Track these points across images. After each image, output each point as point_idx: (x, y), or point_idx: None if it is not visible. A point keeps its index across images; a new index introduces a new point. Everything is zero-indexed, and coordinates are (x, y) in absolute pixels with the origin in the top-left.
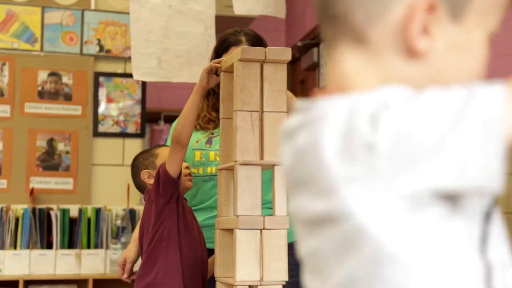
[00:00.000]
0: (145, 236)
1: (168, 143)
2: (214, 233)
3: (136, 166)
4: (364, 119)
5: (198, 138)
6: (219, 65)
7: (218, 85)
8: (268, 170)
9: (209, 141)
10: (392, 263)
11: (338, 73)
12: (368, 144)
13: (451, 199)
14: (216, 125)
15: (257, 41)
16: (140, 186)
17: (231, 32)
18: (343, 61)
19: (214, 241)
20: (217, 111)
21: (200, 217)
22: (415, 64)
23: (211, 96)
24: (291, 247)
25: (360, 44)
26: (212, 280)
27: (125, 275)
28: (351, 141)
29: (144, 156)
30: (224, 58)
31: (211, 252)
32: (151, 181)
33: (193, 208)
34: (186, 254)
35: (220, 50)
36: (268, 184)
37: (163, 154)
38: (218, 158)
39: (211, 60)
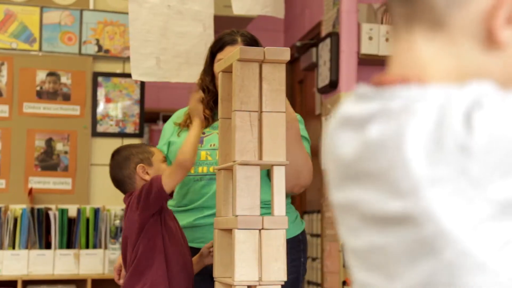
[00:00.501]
0: (129, 246)
1: (160, 146)
2: (205, 233)
3: (127, 158)
4: (457, 118)
5: None
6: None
7: (213, 83)
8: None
9: (200, 141)
10: (478, 270)
11: (411, 59)
12: (462, 146)
13: None
14: (209, 123)
15: (253, 42)
16: (124, 178)
17: (227, 32)
18: (417, 45)
19: (208, 241)
20: (211, 109)
21: (191, 217)
22: (493, 55)
23: (206, 94)
24: (290, 243)
25: (438, 29)
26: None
27: (121, 281)
28: (442, 140)
29: (138, 150)
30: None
31: (197, 251)
32: (146, 177)
33: (183, 207)
34: (174, 262)
35: (215, 49)
36: (262, 184)
37: (157, 155)
38: (209, 158)
39: (206, 59)
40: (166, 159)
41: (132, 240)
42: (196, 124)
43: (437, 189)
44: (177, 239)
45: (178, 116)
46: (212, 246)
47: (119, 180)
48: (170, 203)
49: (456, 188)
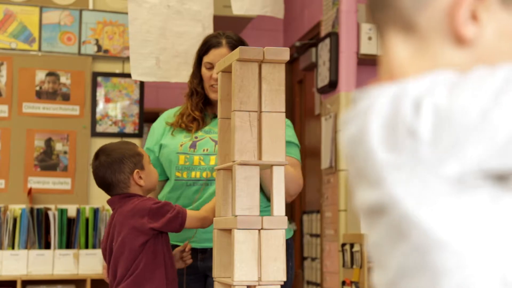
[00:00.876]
0: (127, 253)
1: (150, 146)
2: (193, 232)
3: (121, 161)
4: (408, 105)
5: (182, 141)
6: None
7: (201, 86)
8: None
9: (193, 145)
10: (442, 249)
11: (388, 61)
12: (411, 130)
13: (501, 179)
14: (199, 125)
15: (239, 44)
16: (117, 182)
17: (213, 35)
18: (393, 48)
19: (209, 242)
20: (201, 110)
21: None
22: (464, 51)
23: (194, 96)
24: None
25: (409, 31)
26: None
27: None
28: (395, 128)
29: (130, 152)
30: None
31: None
32: (141, 182)
33: None
34: (171, 271)
35: (201, 52)
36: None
37: (146, 157)
38: (202, 163)
39: (194, 62)
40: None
41: (133, 248)
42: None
43: (397, 174)
44: (172, 258)
45: (169, 115)
46: (185, 250)
47: (111, 184)
48: None
49: (412, 171)
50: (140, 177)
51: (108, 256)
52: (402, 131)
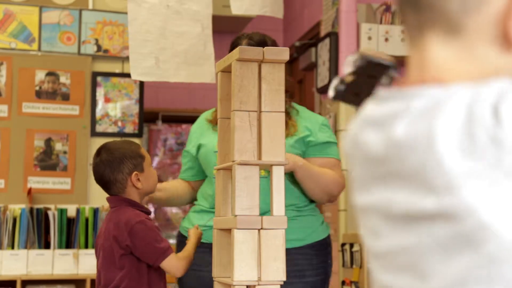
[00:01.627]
0: (107, 264)
1: (188, 149)
2: None
3: (121, 160)
4: (487, 112)
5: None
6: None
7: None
8: None
9: None
10: None
11: (428, 62)
12: (494, 138)
13: None
14: None
15: (258, 45)
16: (114, 181)
17: (238, 35)
18: (434, 50)
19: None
20: None
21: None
22: (510, 55)
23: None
24: (319, 245)
25: (454, 33)
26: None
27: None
28: (474, 135)
29: (131, 153)
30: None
31: None
32: (138, 184)
33: (207, 209)
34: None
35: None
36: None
37: (147, 159)
38: None
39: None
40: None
41: (113, 259)
42: (191, 243)
43: (474, 182)
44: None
45: (208, 114)
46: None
47: (108, 182)
48: (201, 203)
49: (492, 180)
50: (138, 179)
51: (96, 253)
52: (483, 138)
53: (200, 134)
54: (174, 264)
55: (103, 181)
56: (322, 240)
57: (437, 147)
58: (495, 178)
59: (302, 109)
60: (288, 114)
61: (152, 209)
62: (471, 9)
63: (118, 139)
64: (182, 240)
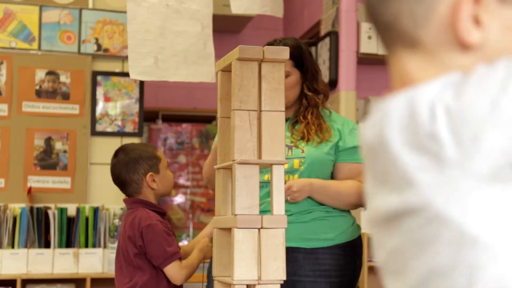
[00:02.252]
0: (123, 264)
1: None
2: None
3: (136, 161)
4: (423, 109)
5: None
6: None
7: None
8: None
9: (289, 148)
10: (476, 245)
11: (400, 76)
12: (431, 134)
13: None
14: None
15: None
16: (130, 182)
17: (270, 42)
18: (403, 64)
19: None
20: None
21: None
22: (472, 53)
23: None
24: (348, 246)
25: (415, 46)
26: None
27: None
28: (415, 131)
29: (147, 154)
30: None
31: None
32: (154, 185)
33: None
34: None
35: None
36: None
37: (163, 161)
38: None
39: None
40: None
41: (128, 258)
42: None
43: (425, 176)
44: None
45: None
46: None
47: (124, 182)
48: None
49: (440, 173)
50: (154, 181)
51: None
52: (423, 135)
53: None
54: (176, 271)
55: (120, 181)
56: (352, 241)
57: (390, 146)
58: (442, 170)
59: (333, 113)
60: (322, 118)
61: None
62: (421, 22)
63: (117, 138)
64: None
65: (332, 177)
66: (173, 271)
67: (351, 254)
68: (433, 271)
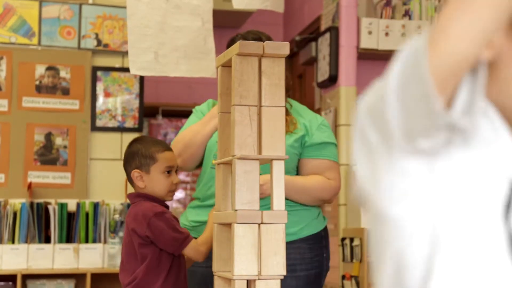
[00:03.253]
0: (127, 259)
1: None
2: None
3: (132, 155)
4: (359, 106)
5: None
6: None
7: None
8: None
9: None
10: (384, 221)
11: None
12: (360, 129)
13: (429, 152)
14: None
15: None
16: (127, 172)
17: (232, 37)
18: None
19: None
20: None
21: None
22: None
23: None
24: (313, 239)
25: None
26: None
27: None
28: (354, 126)
29: (145, 152)
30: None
31: None
32: (140, 183)
33: (201, 204)
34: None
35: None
36: None
37: (160, 164)
38: None
39: None
40: (170, 168)
41: (131, 251)
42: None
43: (361, 163)
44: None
45: (215, 102)
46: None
47: (126, 173)
48: (198, 195)
49: (364, 155)
50: (141, 179)
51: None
52: (355, 127)
53: (205, 112)
54: (195, 250)
55: (126, 173)
56: (317, 233)
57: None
58: (365, 152)
59: (301, 107)
60: (286, 110)
61: None
62: None
63: (117, 134)
64: None
65: (297, 173)
66: (193, 251)
67: (317, 246)
68: (377, 241)
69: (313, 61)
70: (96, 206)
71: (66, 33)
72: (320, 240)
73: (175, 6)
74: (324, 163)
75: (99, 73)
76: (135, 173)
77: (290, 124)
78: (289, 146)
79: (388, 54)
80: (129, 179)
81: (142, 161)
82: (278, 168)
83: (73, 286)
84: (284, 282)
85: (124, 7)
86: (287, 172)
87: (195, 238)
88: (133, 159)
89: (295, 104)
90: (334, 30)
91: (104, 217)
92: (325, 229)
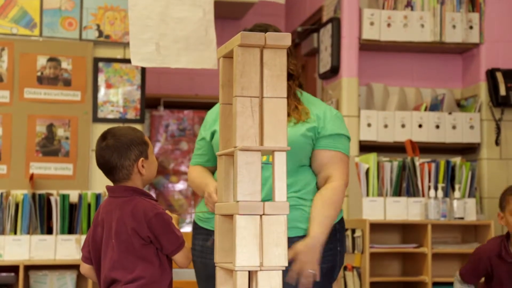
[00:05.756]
0: (124, 256)
1: (204, 135)
2: None
3: (128, 147)
4: None
5: None
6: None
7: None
8: None
9: None
10: None
11: None
12: None
13: None
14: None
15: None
16: (120, 167)
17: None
18: None
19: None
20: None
21: None
22: None
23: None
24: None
25: None
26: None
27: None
28: None
29: (137, 140)
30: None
31: None
32: (143, 171)
33: None
34: None
35: None
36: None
37: (150, 146)
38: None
39: None
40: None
41: (132, 249)
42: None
43: None
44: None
45: None
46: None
47: (114, 167)
48: None
49: None
50: (143, 166)
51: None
52: None
53: (215, 121)
54: (186, 256)
55: (109, 167)
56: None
57: None
58: None
59: (314, 99)
60: (298, 100)
61: (153, 195)
62: None
63: (119, 125)
64: (196, 228)
65: (311, 163)
66: (183, 257)
67: (330, 240)
68: None
69: (315, 52)
70: (98, 197)
71: (67, 24)
72: (334, 234)
73: None
74: (336, 156)
75: (100, 64)
76: (141, 163)
77: (302, 113)
78: (301, 135)
79: (390, 45)
80: (124, 173)
81: (140, 149)
82: (280, 159)
83: (75, 277)
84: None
85: None
86: (299, 161)
87: (206, 230)
88: (131, 151)
89: (308, 95)
90: (336, 21)
91: None
92: (340, 222)
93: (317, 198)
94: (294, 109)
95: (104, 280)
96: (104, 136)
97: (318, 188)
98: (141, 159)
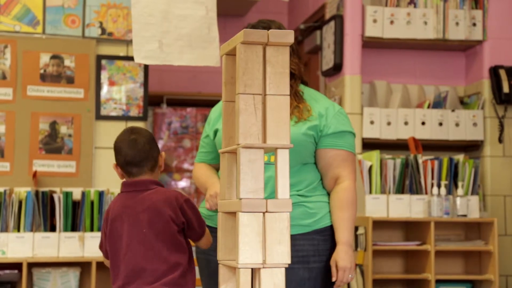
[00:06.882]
0: (159, 245)
1: (207, 133)
2: None
3: (153, 140)
4: None
5: None
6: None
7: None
8: None
9: None
10: None
11: None
12: None
13: None
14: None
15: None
16: (152, 158)
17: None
18: None
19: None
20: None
21: None
22: None
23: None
24: (328, 231)
25: None
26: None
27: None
28: None
29: (154, 142)
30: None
31: None
32: (162, 164)
33: None
34: None
35: None
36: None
37: (162, 155)
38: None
39: None
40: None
41: (168, 237)
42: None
43: None
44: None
45: None
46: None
47: (146, 157)
48: None
49: None
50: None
51: (112, 238)
52: None
53: (218, 118)
54: (208, 238)
55: (141, 157)
56: (332, 225)
57: None
58: None
59: (318, 94)
60: (300, 97)
61: None
62: None
63: (122, 122)
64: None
65: (316, 162)
66: (207, 238)
67: (331, 238)
68: None
69: (317, 49)
70: (101, 194)
71: (70, 21)
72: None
73: None
74: (341, 154)
75: (103, 62)
76: (163, 155)
77: (304, 111)
78: (302, 134)
79: (393, 42)
80: (152, 164)
81: (157, 150)
82: (283, 157)
83: (79, 275)
84: (297, 273)
85: None
86: (303, 160)
87: (209, 227)
88: (155, 144)
89: (312, 91)
90: (338, 18)
91: (109, 205)
92: None
93: (334, 203)
94: (295, 107)
95: (132, 270)
96: (129, 131)
97: (325, 187)
98: (163, 152)
